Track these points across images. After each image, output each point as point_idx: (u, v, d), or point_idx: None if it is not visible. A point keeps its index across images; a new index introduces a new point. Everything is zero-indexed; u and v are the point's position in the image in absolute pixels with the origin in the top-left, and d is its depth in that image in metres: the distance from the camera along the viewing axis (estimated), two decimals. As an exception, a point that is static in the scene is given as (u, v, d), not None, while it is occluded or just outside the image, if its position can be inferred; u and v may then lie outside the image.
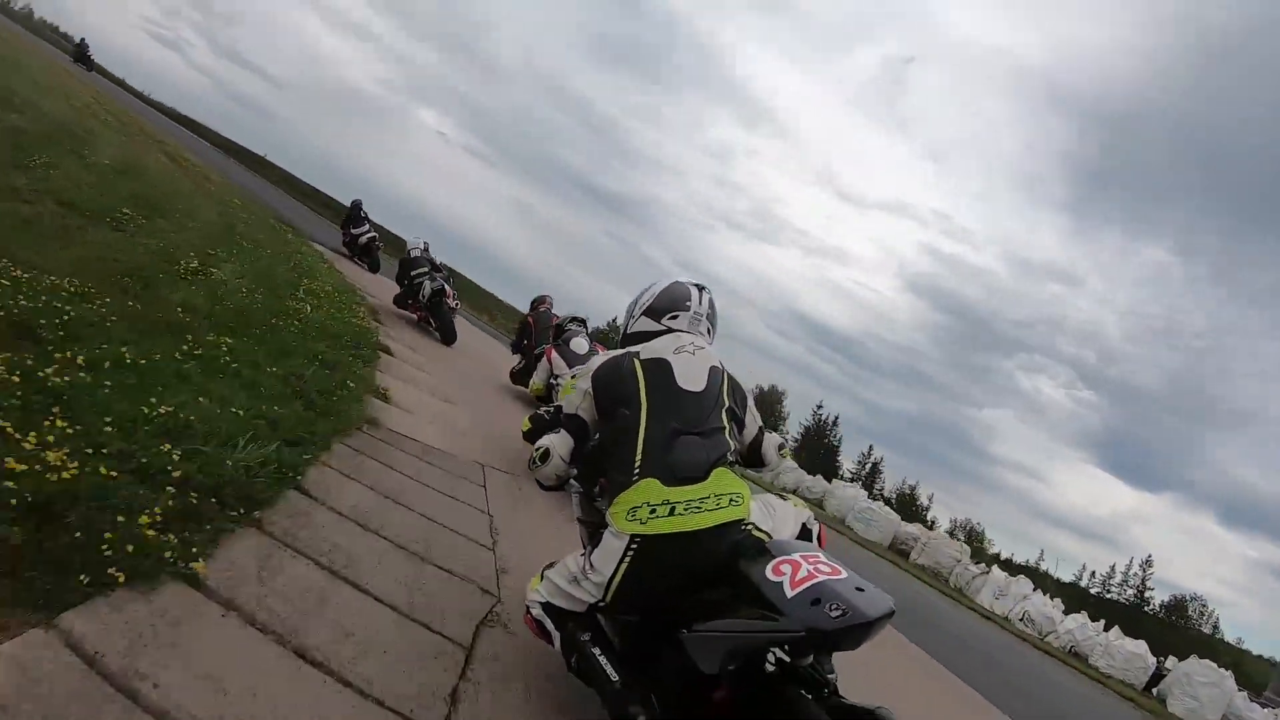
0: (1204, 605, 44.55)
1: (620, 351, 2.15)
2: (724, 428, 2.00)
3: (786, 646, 1.52)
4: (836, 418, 54.50)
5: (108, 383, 2.37)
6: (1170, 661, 14.55)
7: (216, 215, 7.64)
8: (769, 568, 1.62)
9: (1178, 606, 44.62)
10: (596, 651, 1.91)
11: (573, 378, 2.27)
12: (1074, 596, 35.01)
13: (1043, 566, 48.82)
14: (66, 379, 2.25)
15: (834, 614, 1.45)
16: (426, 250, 10.21)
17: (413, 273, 9.81)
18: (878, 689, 3.54)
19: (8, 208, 4.02)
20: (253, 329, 4.04)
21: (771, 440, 2.37)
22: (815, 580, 1.54)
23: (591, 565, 1.89)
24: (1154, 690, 13.25)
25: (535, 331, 7.70)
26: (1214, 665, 13.06)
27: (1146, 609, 44.21)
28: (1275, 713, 13.68)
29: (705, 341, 2.26)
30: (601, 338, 10.76)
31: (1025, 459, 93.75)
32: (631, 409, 1.96)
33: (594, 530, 2.08)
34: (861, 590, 1.50)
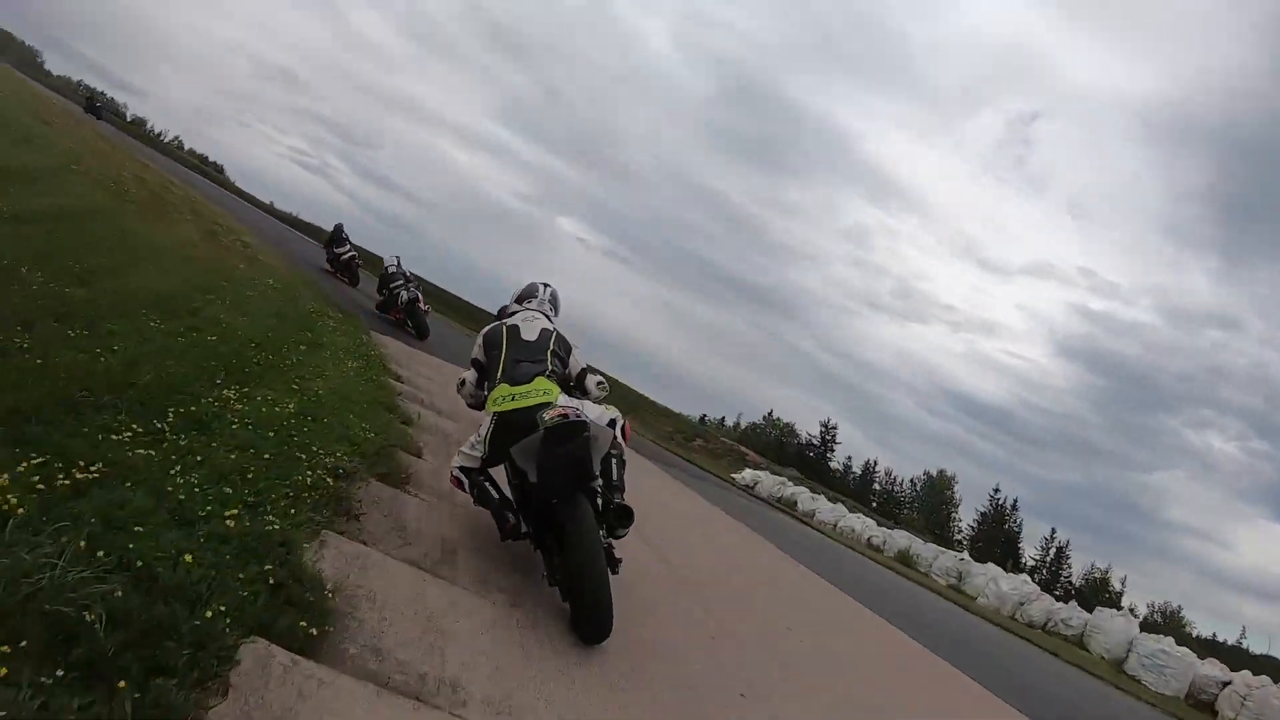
0: None
1: (497, 322, 3.82)
2: (547, 360, 3.49)
3: (544, 438, 2.95)
4: (1015, 501, 50.04)
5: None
6: None
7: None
8: (549, 413, 3.04)
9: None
10: (488, 486, 3.31)
11: (478, 340, 3.81)
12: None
13: (1244, 644, 40.92)
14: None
15: (556, 418, 2.98)
16: (399, 265, 12.36)
17: (391, 284, 11.99)
18: None
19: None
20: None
21: (593, 379, 3.72)
22: (563, 409, 3.07)
23: (478, 435, 3.39)
24: None
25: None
26: None
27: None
28: None
29: (543, 315, 3.86)
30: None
31: (1202, 522, 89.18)
32: (498, 350, 3.54)
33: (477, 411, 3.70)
34: (585, 412, 3.15)
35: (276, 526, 2.36)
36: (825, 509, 24.44)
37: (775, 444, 52.78)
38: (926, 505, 51.94)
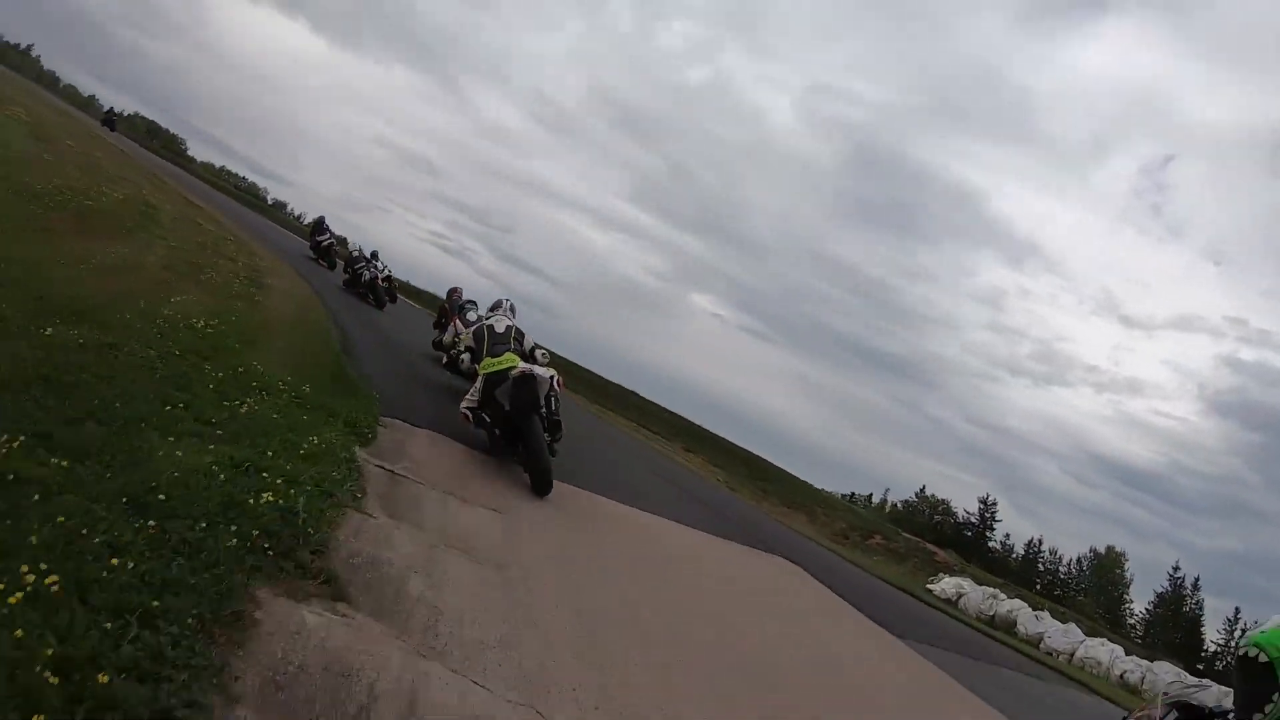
0: None
1: (479, 323, 7.16)
2: (510, 343, 6.55)
3: (513, 384, 5.81)
4: (1197, 580, 41.96)
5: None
6: None
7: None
8: (515, 371, 5.92)
9: None
10: (485, 418, 6.10)
11: (468, 333, 7.27)
12: None
13: None
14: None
15: (520, 373, 5.85)
16: (361, 251, 15.86)
17: (354, 265, 15.62)
18: None
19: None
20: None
21: (539, 352, 6.60)
22: (523, 369, 5.95)
23: (476, 389, 6.22)
24: None
25: (449, 312, 11.08)
26: None
27: None
28: None
29: (507, 317, 7.01)
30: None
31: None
32: (483, 340, 6.63)
33: (474, 379, 6.43)
34: (535, 370, 5.98)
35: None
36: (1054, 630, 18.60)
37: (931, 524, 47.91)
38: (1094, 586, 44.98)
